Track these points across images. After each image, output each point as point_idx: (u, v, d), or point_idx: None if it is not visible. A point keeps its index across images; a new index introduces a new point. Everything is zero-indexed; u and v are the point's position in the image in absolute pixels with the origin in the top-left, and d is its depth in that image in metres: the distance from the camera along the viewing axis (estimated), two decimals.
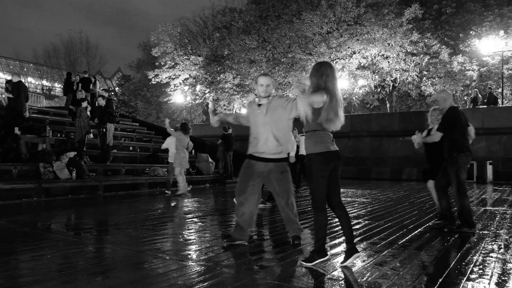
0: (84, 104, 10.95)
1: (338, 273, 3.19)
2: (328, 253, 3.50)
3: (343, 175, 17.84)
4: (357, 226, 5.30)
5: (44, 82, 53.81)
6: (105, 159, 10.96)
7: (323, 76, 3.30)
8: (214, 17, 32.17)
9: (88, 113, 11.11)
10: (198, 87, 30.43)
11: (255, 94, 4.32)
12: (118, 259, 3.68)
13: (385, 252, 3.87)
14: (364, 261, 3.55)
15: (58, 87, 49.52)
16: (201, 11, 33.93)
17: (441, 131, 4.97)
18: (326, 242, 3.51)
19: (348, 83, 25.74)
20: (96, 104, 11.68)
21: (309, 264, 3.34)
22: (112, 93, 41.17)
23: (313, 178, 3.33)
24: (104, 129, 10.64)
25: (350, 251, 3.34)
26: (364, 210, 7.05)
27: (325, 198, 3.36)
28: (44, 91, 50.61)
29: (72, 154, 9.34)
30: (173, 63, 30.21)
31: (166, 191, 9.56)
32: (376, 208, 7.38)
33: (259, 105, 4.08)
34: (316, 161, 3.31)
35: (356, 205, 7.83)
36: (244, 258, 3.73)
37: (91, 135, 11.84)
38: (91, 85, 14.63)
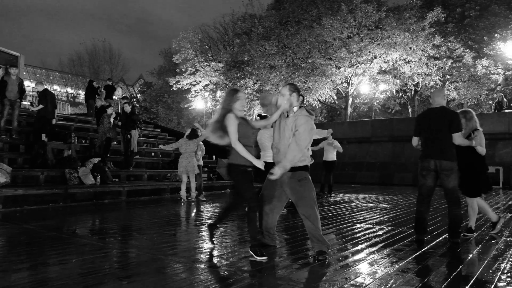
0: (110, 110, 11.18)
1: (361, 279, 3.17)
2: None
3: (365, 180, 17.70)
4: (380, 232, 5.24)
5: (69, 90, 55.23)
6: (129, 165, 11.15)
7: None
8: (234, 24, 32.41)
9: (112, 119, 11.32)
10: (219, 93, 30.64)
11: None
12: (142, 264, 3.73)
13: (409, 259, 3.81)
14: (387, 267, 3.51)
15: (82, 94, 50.71)
16: (221, 17, 34.31)
17: (413, 135, 4.99)
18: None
19: (369, 87, 25.51)
20: (121, 111, 11.91)
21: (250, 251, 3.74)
22: (134, 99, 41.89)
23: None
24: (128, 136, 10.83)
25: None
26: (386, 216, 6.96)
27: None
28: (69, 98, 51.91)
29: (96, 160, 9.55)
30: (193, 70, 30.54)
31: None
32: (399, 214, 7.27)
33: (287, 116, 4.05)
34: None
35: (378, 210, 7.74)
36: (265, 264, 3.73)
37: (115, 142, 12.07)
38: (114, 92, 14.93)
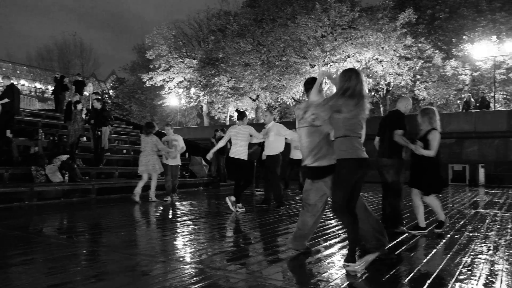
0: (80, 106, 10.91)
1: (331, 273, 3.21)
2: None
3: None
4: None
5: (37, 85, 53.53)
6: (99, 162, 10.92)
7: (351, 80, 3.29)
8: (209, 20, 32.20)
9: (83, 115, 11.06)
10: (193, 90, 30.41)
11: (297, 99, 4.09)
12: (111, 262, 3.67)
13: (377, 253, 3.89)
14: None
15: (51, 90, 49.28)
16: (196, 14, 33.97)
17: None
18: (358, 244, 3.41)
19: None
20: (91, 107, 11.65)
21: (348, 267, 3.22)
22: (106, 96, 41.05)
23: (339, 183, 3.29)
24: (99, 132, 10.60)
25: (347, 258, 3.27)
26: None
27: (345, 203, 3.28)
28: (37, 93, 50.34)
29: (65, 157, 9.30)
30: (167, 66, 30.17)
31: (165, 198, 8.97)
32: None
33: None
34: (346, 168, 3.26)
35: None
36: (236, 260, 3.74)
37: (85, 138, 11.80)
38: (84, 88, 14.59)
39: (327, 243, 4.39)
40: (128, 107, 40.00)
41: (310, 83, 3.88)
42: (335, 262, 3.63)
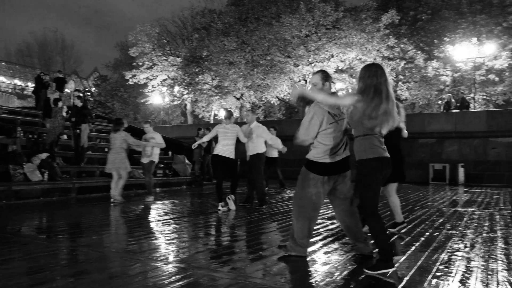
0: (60, 104, 10.73)
1: (309, 271, 3.23)
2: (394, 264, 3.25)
3: None
4: (331, 227, 5.38)
5: (16, 81, 52.36)
6: (79, 161, 10.76)
7: (374, 77, 3.17)
8: (193, 18, 32.00)
9: (64, 113, 10.88)
10: (176, 88, 30.19)
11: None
12: (91, 261, 3.63)
13: (355, 252, 3.94)
14: (334, 260, 3.61)
15: (31, 87, 48.29)
16: (180, 12, 33.73)
17: None
18: (391, 250, 3.33)
19: None
20: (72, 104, 11.48)
21: (371, 273, 3.16)
22: (88, 93, 40.44)
23: (365, 185, 3.22)
24: (78, 130, 10.44)
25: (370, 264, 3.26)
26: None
27: (376, 206, 3.22)
28: (16, 90, 49.27)
29: (44, 155, 9.14)
30: (151, 64, 29.87)
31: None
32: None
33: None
34: (369, 168, 3.19)
35: (330, 206, 7.91)
36: (218, 258, 3.74)
37: (65, 136, 11.61)
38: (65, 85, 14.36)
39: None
40: (111, 105, 39.49)
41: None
42: (316, 259, 3.66)
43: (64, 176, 9.90)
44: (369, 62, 3.59)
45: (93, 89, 45.00)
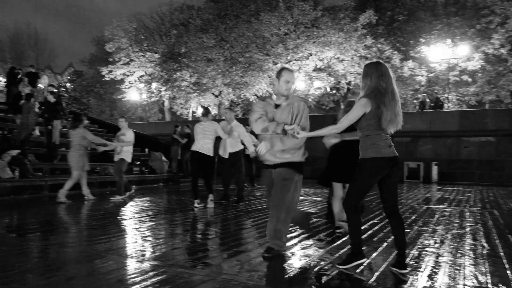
0: (33, 99, 10.45)
1: (284, 268, 3.25)
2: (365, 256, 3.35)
3: None
4: None
5: None
6: (52, 158, 10.51)
7: (376, 77, 3.16)
8: (172, 14, 31.64)
9: (37, 109, 10.61)
10: (154, 85, 29.80)
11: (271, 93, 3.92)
12: (63, 259, 3.58)
13: (328, 248, 3.99)
14: (308, 257, 3.64)
15: (3, 81, 46.85)
16: (158, 7, 33.28)
17: None
18: (362, 244, 3.37)
19: (305, 84, 26.20)
20: (45, 100, 11.19)
21: (342, 267, 3.23)
22: (63, 89, 39.52)
23: (357, 181, 3.23)
24: (50, 127, 10.19)
25: (399, 265, 3.18)
26: (314, 208, 7.22)
27: (358, 202, 3.25)
28: None
29: (14, 152, 8.90)
30: (128, 60, 29.38)
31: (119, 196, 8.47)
32: (326, 206, 7.55)
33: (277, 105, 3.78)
34: (366, 167, 3.18)
35: (307, 203, 7.99)
36: (192, 256, 3.72)
37: (37, 132, 11.32)
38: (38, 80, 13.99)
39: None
40: (86, 101, 38.69)
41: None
42: (290, 255, 3.68)
43: (37, 173, 9.66)
44: (372, 61, 3.49)
45: (67, 84, 43.99)
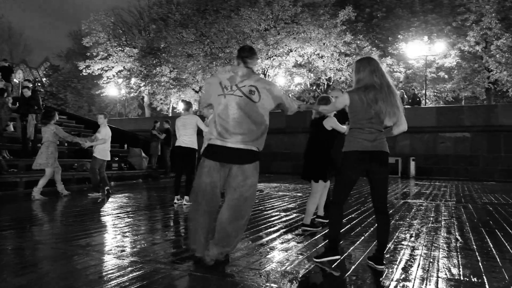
0: (6, 94, 10.18)
1: (261, 263, 3.27)
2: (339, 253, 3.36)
3: (279, 170, 18.27)
4: (285, 219, 5.46)
5: None
6: (27, 154, 10.26)
7: (359, 72, 3.23)
8: (150, 8, 31.25)
9: (10, 104, 10.34)
10: (133, 80, 29.41)
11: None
12: (39, 256, 3.51)
13: (306, 243, 4.03)
14: (286, 251, 3.67)
15: None
16: (136, 1, 32.83)
17: None
18: (339, 240, 3.39)
19: (285, 80, 26.29)
20: (21, 95, 10.93)
21: (320, 260, 3.27)
22: (39, 84, 38.62)
23: (338, 175, 3.32)
24: (25, 122, 9.95)
25: (376, 260, 3.19)
26: (293, 204, 7.27)
27: (343, 197, 3.27)
28: None
29: None
30: (106, 54, 28.90)
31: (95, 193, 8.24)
32: (305, 201, 7.61)
33: None
34: (344, 160, 3.23)
35: (287, 199, 8.04)
36: (170, 252, 3.70)
37: (12, 128, 11.04)
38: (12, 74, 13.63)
39: (265, 232, 4.47)
40: (63, 96, 37.94)
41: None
42: (269, 250, 3.70)
43: (11, 170, 9.43)
44: (363, 57, 3.52)
45: (43, 79, 43.01)
